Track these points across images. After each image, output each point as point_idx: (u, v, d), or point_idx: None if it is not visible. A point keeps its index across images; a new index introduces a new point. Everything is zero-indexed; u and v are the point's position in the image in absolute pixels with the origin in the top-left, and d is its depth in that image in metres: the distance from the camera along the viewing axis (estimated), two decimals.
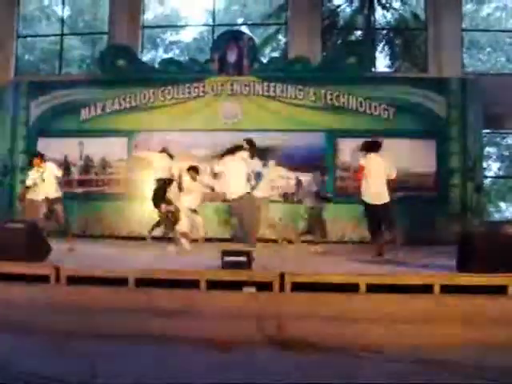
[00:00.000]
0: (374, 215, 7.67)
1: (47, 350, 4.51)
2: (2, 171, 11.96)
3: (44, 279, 5.81)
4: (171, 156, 9.43)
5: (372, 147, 7.85)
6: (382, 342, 4.62)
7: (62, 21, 15.03)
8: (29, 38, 17.43)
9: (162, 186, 9.13)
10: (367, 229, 8.00)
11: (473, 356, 4.33)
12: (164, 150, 9.45)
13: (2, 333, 4.91)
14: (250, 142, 8.60)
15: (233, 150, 8.24)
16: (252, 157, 8.56)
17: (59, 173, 8.79)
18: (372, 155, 7.71)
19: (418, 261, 7.00)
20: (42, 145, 11.81)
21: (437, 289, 5.35)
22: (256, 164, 8.82)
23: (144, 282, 5.63)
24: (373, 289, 5.38)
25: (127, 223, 11.35)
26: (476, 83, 11.54)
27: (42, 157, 8.71)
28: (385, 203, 7.55)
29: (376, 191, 7.56)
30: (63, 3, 14.93)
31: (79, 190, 11.92)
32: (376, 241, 7.70)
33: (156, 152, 9.55)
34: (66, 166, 11.88)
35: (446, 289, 5.35)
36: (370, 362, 4.29)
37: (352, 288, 5.39)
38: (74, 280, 5.78)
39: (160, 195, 9.11)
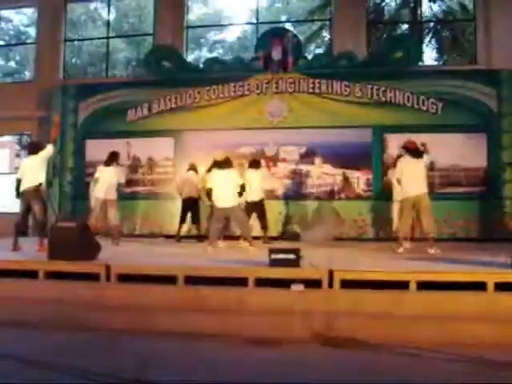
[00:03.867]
0: None
1: (98, 347, 4.58)
2: (52, 172, 12.23)
3: (94, 277, 5.92)
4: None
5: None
6: (432, 341, 4.53)
7: (108, 24, 15.25)
8: (76, 42, 17.79)
9: None
10: None
11: None
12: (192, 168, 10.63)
13: (54, 330, 5.01)
14: None
15: None
16: None
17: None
18: None
19: (469, 258, 6.80)
20: (90, 146, 12.08)
21: (491, 286, 5.19)
22: None
23: (193, 280, 5.67)
24: (423, 286, 5.27)
25: (175, 222, 11.39)
26: None
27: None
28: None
29: None
30: (109, 6, 15.15)
31: (127, 190, 12.07)
32: None
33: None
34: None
35: (501, 286, 5.18)
36: (421, 360, 4.20)
37: (402, 285, 5.29)
38: (123, 278, 5.87)
39: None
